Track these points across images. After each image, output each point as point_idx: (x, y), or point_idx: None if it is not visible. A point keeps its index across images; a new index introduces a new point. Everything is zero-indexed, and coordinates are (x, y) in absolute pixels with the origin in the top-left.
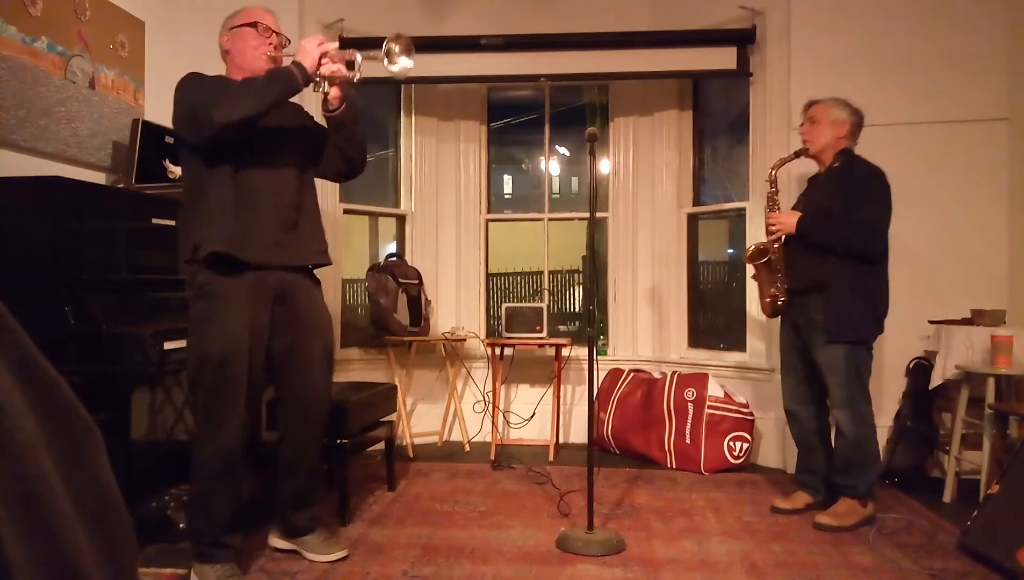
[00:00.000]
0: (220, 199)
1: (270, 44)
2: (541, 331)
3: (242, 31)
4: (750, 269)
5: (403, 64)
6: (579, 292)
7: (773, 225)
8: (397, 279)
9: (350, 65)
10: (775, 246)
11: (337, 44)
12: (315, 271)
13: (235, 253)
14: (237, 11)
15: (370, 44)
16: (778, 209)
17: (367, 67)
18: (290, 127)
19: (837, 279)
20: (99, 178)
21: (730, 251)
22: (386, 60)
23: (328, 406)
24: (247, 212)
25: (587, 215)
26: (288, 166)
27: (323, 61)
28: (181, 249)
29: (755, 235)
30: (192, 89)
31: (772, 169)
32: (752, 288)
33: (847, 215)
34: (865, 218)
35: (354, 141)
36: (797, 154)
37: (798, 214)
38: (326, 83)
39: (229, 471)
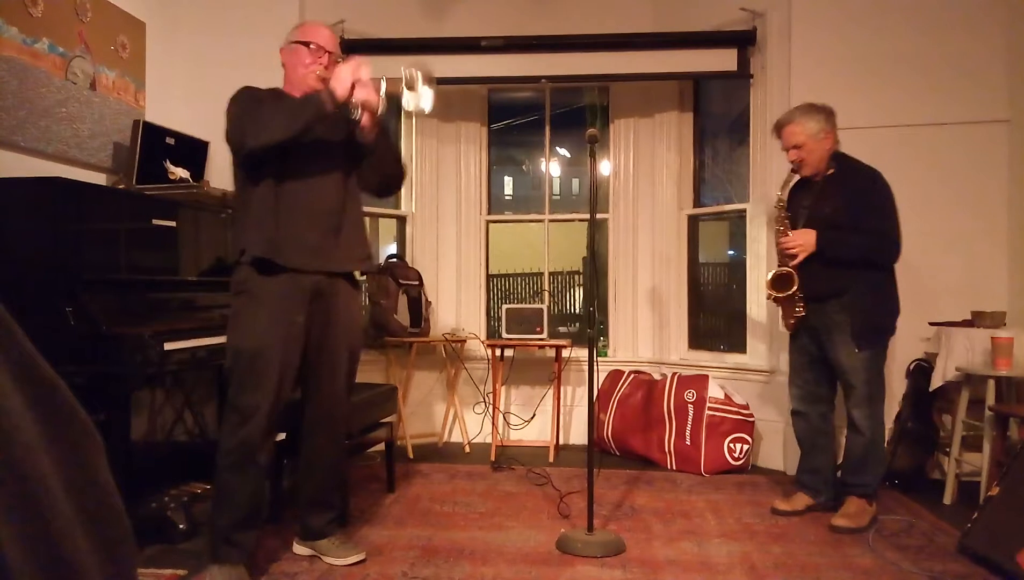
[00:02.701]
0: (262, 206)
1: (320, 63)
2: (541, 332)
3: (296, 48)
4: (767, 293)
5: (424, 97)
6: (579, 293)
7: (792, 248)
8: (397, 280)
9: (391, 86)
10: (795, 270)
11: (368, 72)
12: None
13: (274, 257)
14: (297, 25)
15: (371, 46)
16: (789, 233)
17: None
18: (335, 137)
19: (856, 284)
20: (100, 179)
21: (731, 253)
22: (407, 91)
23: (348, 409)
24: (287, 218)
25: (587, 216)
26: (332, 174)
27: (356, 87)
28: (234, 245)
29: (756, 237)
30: (236, 109)
31: (780, 192)
32: (753, 290)
33: (860, 225)
34: (880, 227)
35: (386, 165)
36: (794, 172)
37: (814, 233)
38: (359, 109)
39: (249, 466)
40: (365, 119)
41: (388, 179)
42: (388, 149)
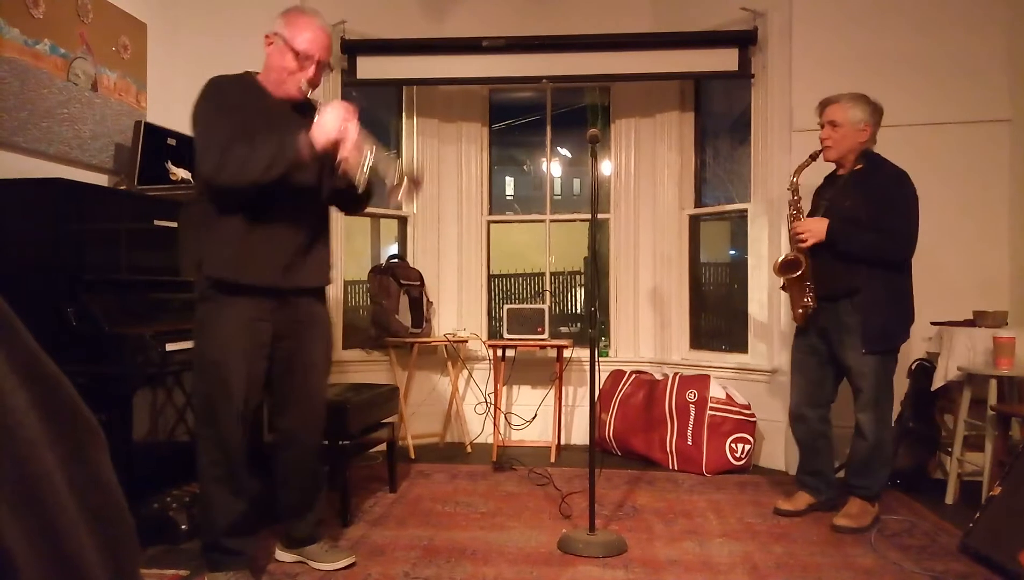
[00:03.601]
0: (229, 228)
1: (306, 76)
2: (543, 332)
3: (284, 50)
4: (778, 280)
5: (403, 196)
6: (581, 293)
7: (801, 234)
8: (399, 280)
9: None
10: (804, 256)
11: (356, 128)
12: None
13: (238, 278)
14: (295, 17)
15: (371, 46)
16: (802, 217)
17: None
18: (307, 181)
19: (870, 285)
20: (101, 180)
21: (732, 252)
22: (389, 184)
23: (324, 412)
24: (256, 238)
25: (589, 216)
26: (303, 195)
27: (340, 144)
28: (186, 254)
29: (757, 237)
30: (206, 132)
31: (794, 176)
32: (754, 289)
33: (877, 222)
34: (895, 225)
35: (350, 205)
36: (813, 157)
37: (826, 221)
38: (337, 161)
39: (230, 474)
40: (341, 168)
41: (343, 210)
42: (356, 199)
